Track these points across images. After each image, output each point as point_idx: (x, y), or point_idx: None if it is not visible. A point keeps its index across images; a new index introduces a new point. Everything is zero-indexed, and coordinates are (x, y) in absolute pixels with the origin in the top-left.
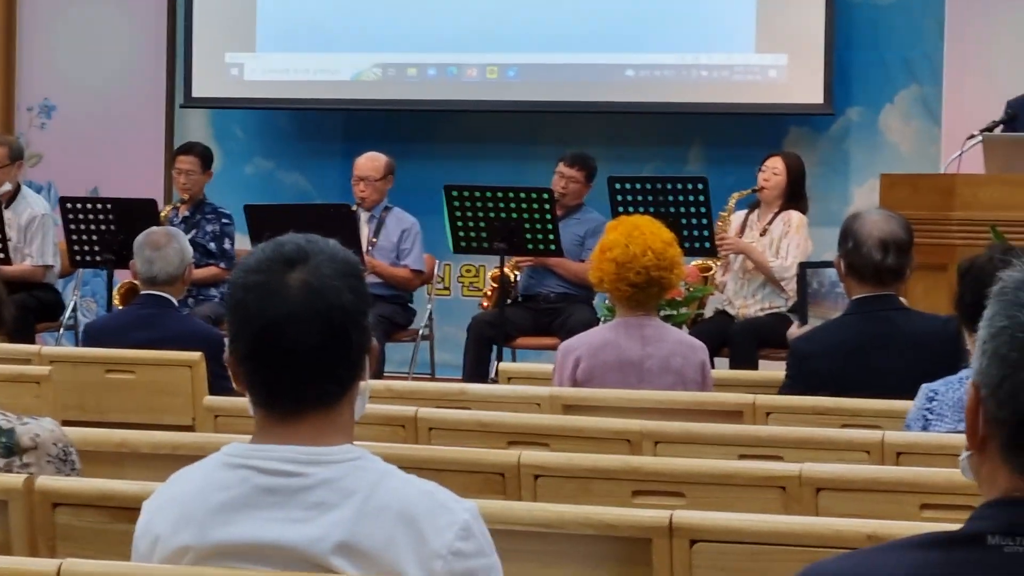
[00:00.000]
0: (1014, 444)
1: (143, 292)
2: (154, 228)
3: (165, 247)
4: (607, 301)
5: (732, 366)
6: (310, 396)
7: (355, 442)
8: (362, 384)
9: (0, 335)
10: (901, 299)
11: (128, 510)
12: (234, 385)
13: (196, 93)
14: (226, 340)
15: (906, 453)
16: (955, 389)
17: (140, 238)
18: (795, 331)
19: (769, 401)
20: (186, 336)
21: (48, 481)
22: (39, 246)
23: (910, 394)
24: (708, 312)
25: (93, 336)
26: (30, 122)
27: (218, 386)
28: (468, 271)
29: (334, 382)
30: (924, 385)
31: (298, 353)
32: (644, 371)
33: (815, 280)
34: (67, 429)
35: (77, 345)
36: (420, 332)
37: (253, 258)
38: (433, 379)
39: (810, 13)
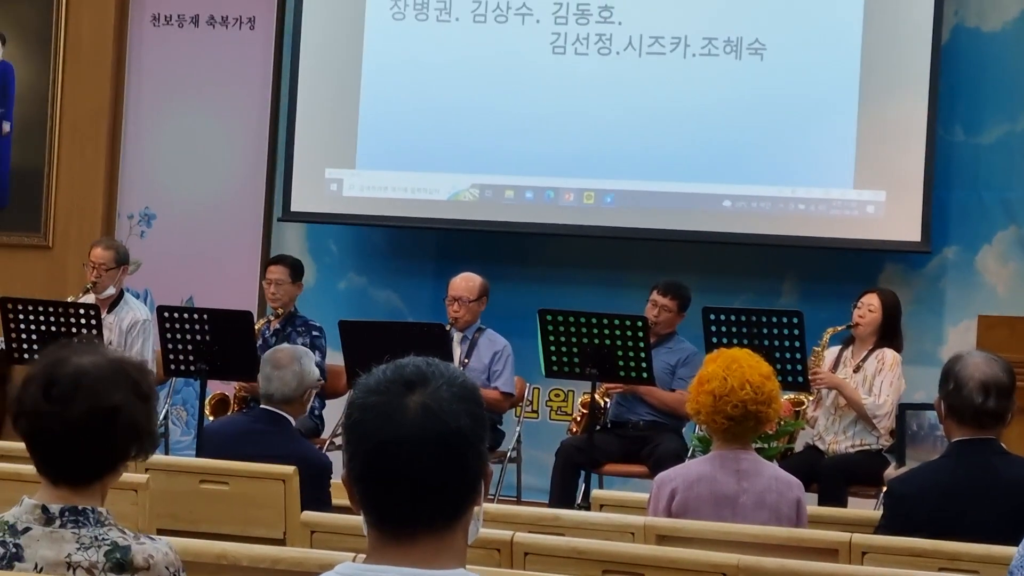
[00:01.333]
0: None
1: (261, 406)
2: (284, 346)
3: (286, 368)
4: (697, 431)
5: (821, 502)
6: (424, 519)
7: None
8: (476, 508)
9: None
10: (1002, 444)
11: None
12: (350, 504)
13: (295, 207)
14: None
15: None
16: None
17: (267, 353)
18: (892, 472)
19: (865, 540)
20: (293, 459)
21: None
22: (139, 351)
23: (1008, 540)
24: (798, 447)
25: (209, 438)
26: (130, 230)
27: (316, 510)
28: (556, 395)
29: (449, 505)
30: None
31: (413, 475)
32: (739, 506)
33: (914, 422)
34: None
35: (167, 454)
36: (508, 454)
37: (373, 379)
38: (519, 502)
39: (910, 151)
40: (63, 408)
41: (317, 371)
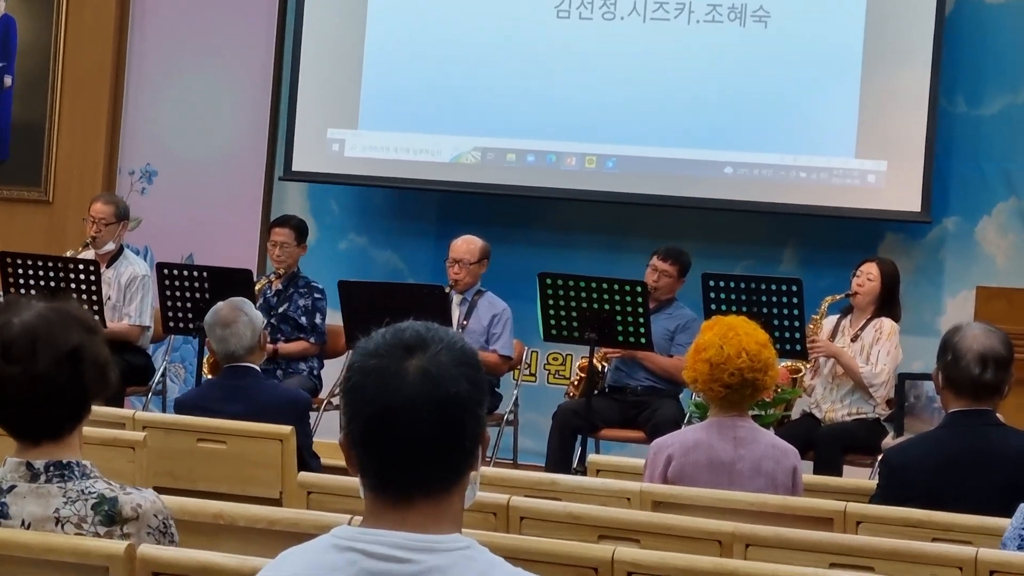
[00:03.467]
0: None
1: (226, 366)
2: (219, 304)
3: (235, 322)
4: (694, 397)
5: (816, 470)
6: (422, 483)
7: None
8: (473, 473)
9: (102, 398)
10: (998, 415)
11: None
12: (347, 467)
13: (296, 167)
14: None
15: (1000, 572)
16: None
17: (209, 319)
18: (890, 441)
19: (860, 510)
20: (278, 406)
21: (149, 549)
22: (138, 306)
23: (1002, 512)
24: (795, 414)
25: (185, 410)
26: (131, 186)
27: (303, 444)
28: (555, 359)
29: (447, 470)
30: (1023, 504)
31: (412, 440)
32: (735, 473)
33: (913, 392)
34: (163, 497)
35: (164, 411)
36: (505, 417)
37: (372, 342)
38: (516, 465)
39: (912, 121)
40: (28, 364)
41: (259, 313)
